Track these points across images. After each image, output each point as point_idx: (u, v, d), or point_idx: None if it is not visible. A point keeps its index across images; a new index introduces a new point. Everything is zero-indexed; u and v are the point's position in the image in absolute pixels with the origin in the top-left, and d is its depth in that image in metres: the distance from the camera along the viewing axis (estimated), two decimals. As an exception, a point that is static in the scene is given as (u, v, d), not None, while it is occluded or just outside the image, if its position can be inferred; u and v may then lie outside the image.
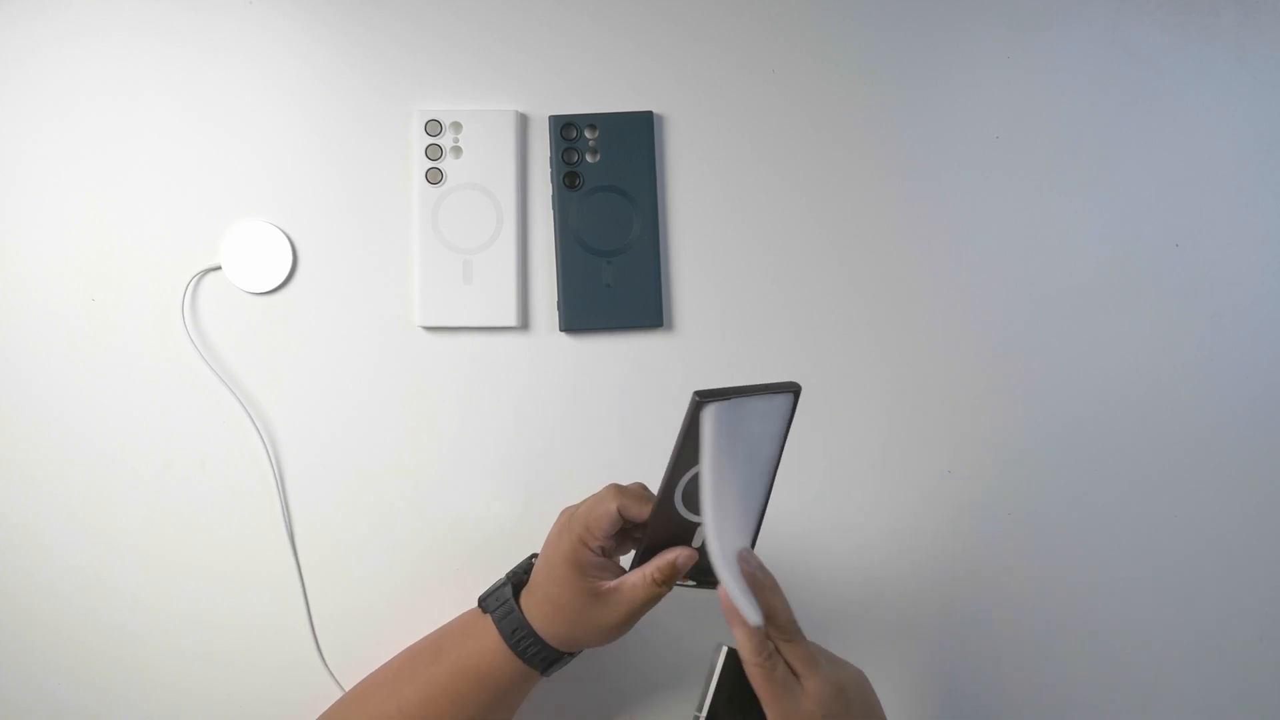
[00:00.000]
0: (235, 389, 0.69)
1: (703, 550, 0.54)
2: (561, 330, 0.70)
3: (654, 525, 0.55)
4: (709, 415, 0.50)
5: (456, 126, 0.69)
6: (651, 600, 0.56)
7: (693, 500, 0.54)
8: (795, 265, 0.71)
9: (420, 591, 0.64)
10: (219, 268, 0.69)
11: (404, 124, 0.70)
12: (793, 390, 0.52)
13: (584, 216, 0.70)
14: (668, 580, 0.56)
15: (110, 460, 0.68)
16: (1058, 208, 0.72)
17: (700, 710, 0.54)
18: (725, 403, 0.50)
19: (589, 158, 0.70)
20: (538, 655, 0.58)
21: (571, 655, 0.60)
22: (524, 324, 0.70)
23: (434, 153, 0.69)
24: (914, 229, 0.71)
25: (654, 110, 0.70)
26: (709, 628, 0.58)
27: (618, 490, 0.56)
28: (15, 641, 0.68)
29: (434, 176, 0.69)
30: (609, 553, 0.57)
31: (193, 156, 0.70)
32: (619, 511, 0.55)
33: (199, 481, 0.69)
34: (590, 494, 0.58)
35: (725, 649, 0.54)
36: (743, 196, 0.71)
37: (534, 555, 0.61)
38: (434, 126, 0.69)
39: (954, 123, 0.72)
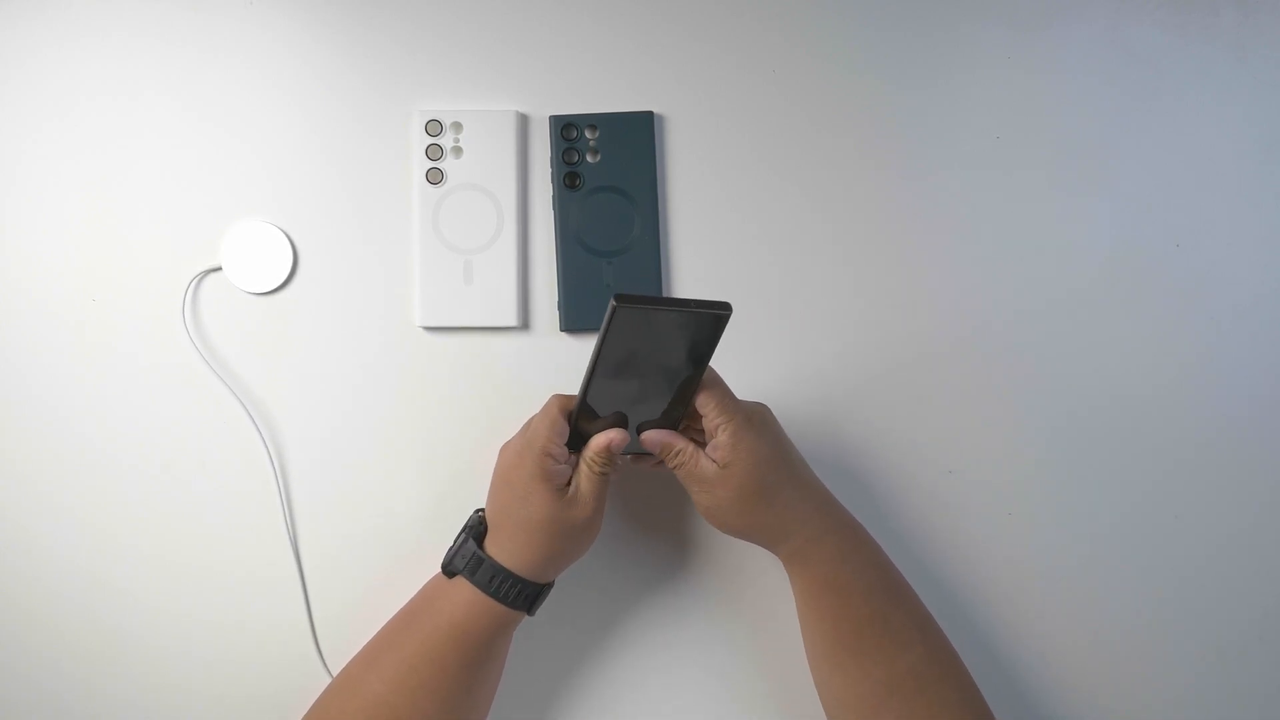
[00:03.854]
0: (236, 389, 0.69)
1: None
2: (561, 330, 0.70)
3: (578, 420, 0.59)
4: (619, 317, 0.53)
5: (457, 126, 0.69)
6: (601, 483, 0.60)
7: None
8: (795, 265, 0.71)
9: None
10: (219, 268, 0.69)
11: (404, 124, 0.70)
12: (721, 312, 0.54)
13: (584, 216, 0.70)
14: (605, 464, 0.60)
15: (110, 460, 0.68)
16: (1058, 208, 0.72)
17: (590, 369, 0.57)
18: (636, 308, 0.53)
19: (589, 158, 0.70)
20: (520, 595, 0.59)
21: (548, 587, 0.62)
22: (524, 324, 0.70)
23: (434, 153, 0.69)
24: (914, 229, 0.71)
25: (654, 110, 0.70)
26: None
27: (559, 398, 0.60)
28: (15, 641, 0.68)
29: (434, 176, 0.69)
30: (563, 457, 0.60)
31: (193, 156, 0.70)
32: (565, 410, 0.60)
33: (199, 481, 0.69)
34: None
35: (611, 303, 0.54)
36: (743, 196, 0.71)
37: (480, 510, 0.63)
38: (434, 126, 0.69)
39: (954, 123, 0.72)
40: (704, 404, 0.59)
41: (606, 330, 0.53)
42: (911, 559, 0.69)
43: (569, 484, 0.60)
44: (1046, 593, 0.70)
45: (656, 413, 0.59)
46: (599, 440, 0.59)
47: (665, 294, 0.70)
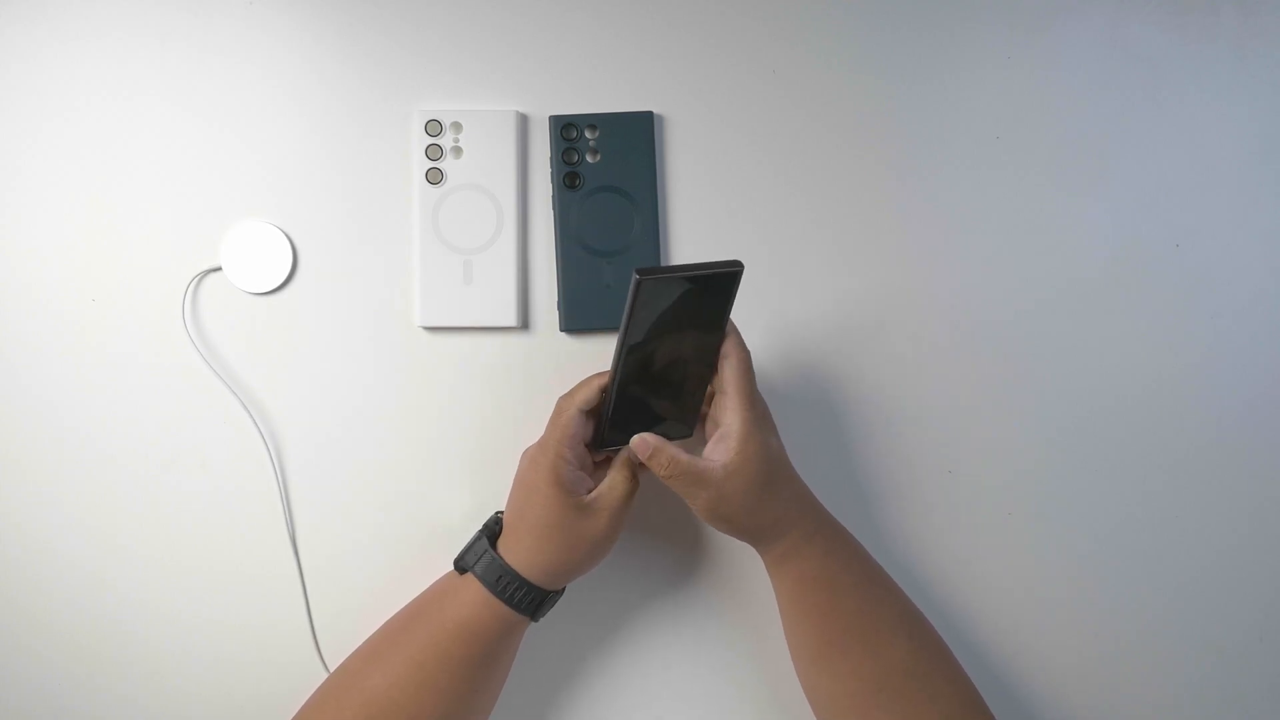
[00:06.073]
0: (236, 389, 0.69)
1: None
2: (561, 330, 0.70)
3: (612, 415, 0.60)
4: (642, 288, 0.54)
5: (457, 126, 0.69)
6: (626, 497, 0.60)
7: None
8: (795, 265, 0.71)
9: (420, 591, 0.64)
10: (219, 268, 0.69)
11: (404, 124, 0.70)
12: (733, 269, 0.56)
13: (584, 216, 0.70)
14: (635, 473, 0.60)
15: (110, 460, 0.68)
16: (1058, 208, 0.72)
17: (621, 340, 0.57)
18: (659, 278, 0.54)
19: (589, 158, 0.70)
20: (525, 598, 0.59)
21: (556, 595, 0.61)
22: (524, 324, 0.70)
23: (434, 153, 0.69)
24: (914, 229, 0.71)
25: (654, 110, 0.70)
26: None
27: (567, 397, 0.60)
28: (15, 641, 0.68)
29: (434, 176, 0.69)
30: (583, 465, 0.61)
31: (193, 156, 0.70)
32: (580, 409, 0.59)
33: (200, 481, 0.69)
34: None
35: (635, 275, 0.54)
36: (743, 196, 0.71)
37: (499, 512, 0.63)
38: (434, 126, 0.69)
39: (954, 123, 0.72)
40: (729, 384, 0.58)
41: (632, 307, 0.54)
42: (911, 559, 0.70)
43: (589, 492, 0.60)
44: (1046, 593, 0.70)
45: (682, 396, 0.59)
46: (623, 453, 0.60)
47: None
